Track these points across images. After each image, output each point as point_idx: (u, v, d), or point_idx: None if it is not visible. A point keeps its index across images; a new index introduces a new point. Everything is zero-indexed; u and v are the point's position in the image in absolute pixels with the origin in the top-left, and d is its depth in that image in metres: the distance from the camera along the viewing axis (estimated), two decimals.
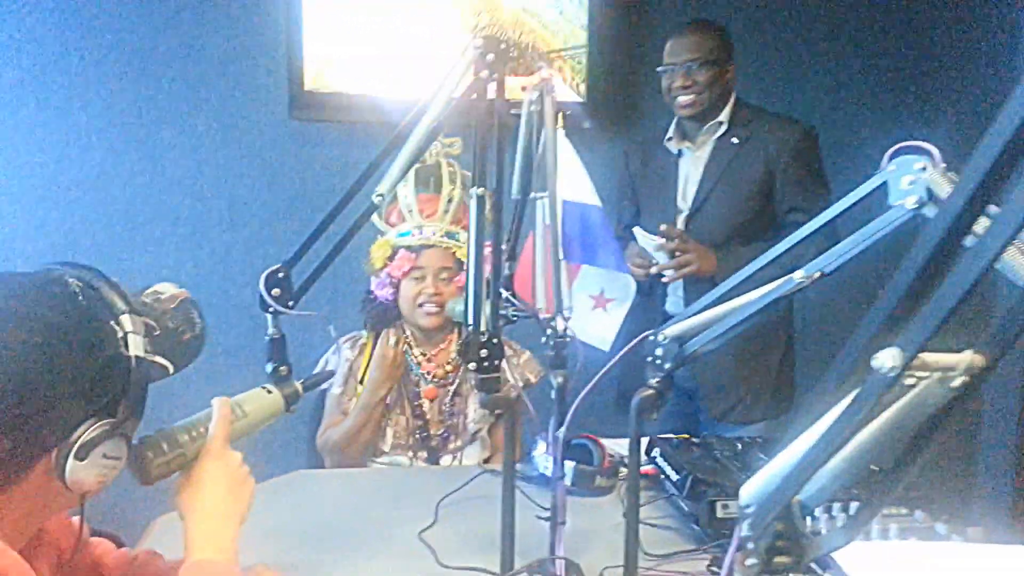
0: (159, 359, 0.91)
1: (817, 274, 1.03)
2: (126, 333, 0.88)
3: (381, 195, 1.13)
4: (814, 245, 1.16)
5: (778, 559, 0.57)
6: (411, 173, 1.93)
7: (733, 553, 0.61)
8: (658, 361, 1.15)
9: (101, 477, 0.87)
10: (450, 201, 1.95)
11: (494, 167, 1.17)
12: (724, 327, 1.08)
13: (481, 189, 1.10)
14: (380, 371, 1.90)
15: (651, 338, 1.16)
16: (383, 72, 2.63)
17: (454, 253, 1.96)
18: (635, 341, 1.15)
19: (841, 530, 0.60)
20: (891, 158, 0.97)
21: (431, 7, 2.63)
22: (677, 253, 2.04)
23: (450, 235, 1.96)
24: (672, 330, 1.15)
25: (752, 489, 0.60)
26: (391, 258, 1.97)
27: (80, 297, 0.87)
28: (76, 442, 0.84)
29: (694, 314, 1.15)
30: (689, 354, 1.12)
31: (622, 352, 1.14)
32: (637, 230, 2.06)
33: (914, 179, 0.94)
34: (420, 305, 1.95)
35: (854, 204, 1.05)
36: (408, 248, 1.95)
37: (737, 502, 1.15)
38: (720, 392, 2.20)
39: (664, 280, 2.09)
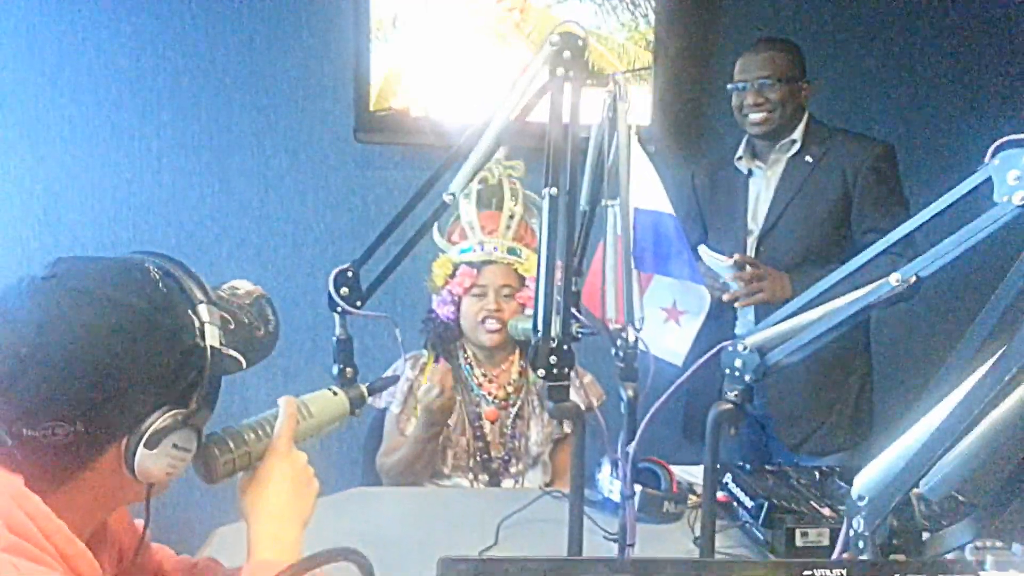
0: (233, 352, 0.90)
1: (913, 278, 0.96)
2: (203, 323, 0.87)
3: (452, 194, 1.10)
4: (893, 257, 1.10)
5: (894, 557, 0.51)
6: (473, 191, 1.92)
7: (841, 552, 0.55)
8: (737, 373, 1.09)
9: (169, 468, 0.85)
10: (511, 217, 1.93)
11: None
12: (811, 335, 1.01)
13: (554, 188, 1.07)
14: (428, 415, 1.82)
15: (729, 349, 1.10)
16: (448, 95, 2.65)
17: (516, 269, 1.93)
18: (713, 351, 1.09)
19: (967, 524, 0.53)
20: (995, 152, 0.91)
21: (498, 30, 2.64)
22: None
23: (512, 251, 1.93)
24: (752, 340, 1.09)
25: (868, 478, 0.54)
26: (452, 275, 1.95)
27: (160, 284, 0.87)
28: (147, 430, 0.82)
29: (775, 323, 1.09)
30: (772, 364, 1.06)
31: (700, 361, 1.08)
32: (703, 249, 2.00)
33: (1021, 174, 0.88)
34: (482, 321, 1.92)
35: (952, 204, 0.98)
36: (469, 264, 1.93)
37: (818, 529, 1.07)
38: (795, 421, 2.11)
39: (737, 305, 2.02)
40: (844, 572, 0.42)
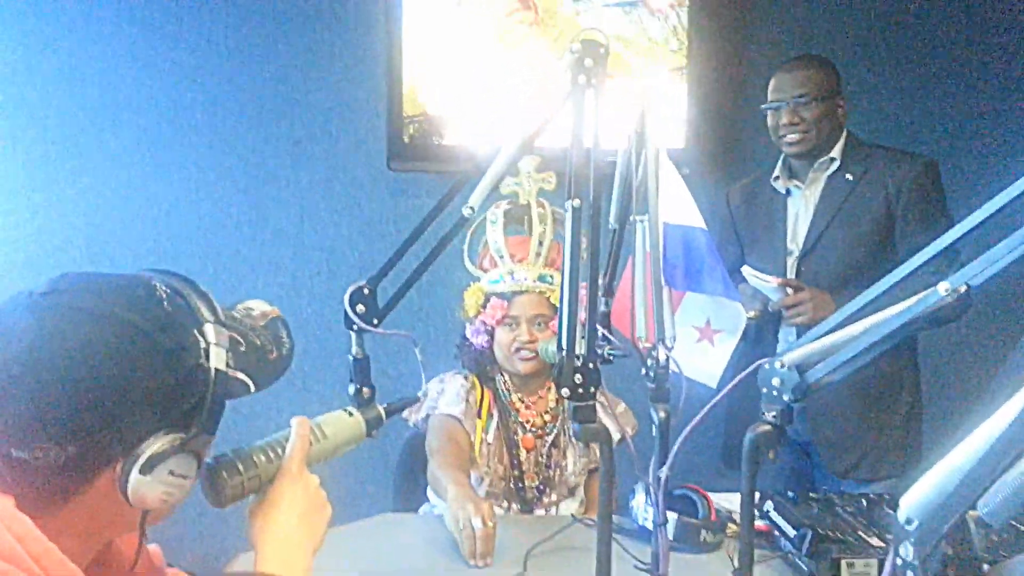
0: (240, 375, 0.85)
1: (963, 288, 0.90)
2: (209, 344, 0.82)
3: (472, 208, 1.07)
4: (940, 268, 1.04)
5: None
6: (500, 216, 1.88)
7: None
8: (775, 392, 1.03)
9: (165, 495, 0.80)
10: (541, 244, 1.89)
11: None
12: (854, 350, 0.95)
13: (576, 200, 1.03)
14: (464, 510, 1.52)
15: (767, 367, 1.04)
16: (481, 123, 2.63)
17: (548, 298, 1.89)
18: (751, 368, 1.03)
19: None
20: None
21: (531, 58, 2.62)
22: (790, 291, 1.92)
23: (542, 278, 1.89)
24: (791, 357, 1.03)
25: (916, 499, 0.48)
26: (484, 305, 1.91)
27: (165, 303, 0.83)
28: (142, 454, 0.78)
29: (815, 339, 1.03)
30: (812, 383, 0.99)
31: (738, 379, 1.03)
32: (747, 269, 1.94)
33: None
34: (515, 352, 1.88)
35: (1003, 208, 0.92)
36: (499, 295, 1.89)
37: (866, 560, 1.00)
38: (841, 447, 2.02)
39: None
40: None
